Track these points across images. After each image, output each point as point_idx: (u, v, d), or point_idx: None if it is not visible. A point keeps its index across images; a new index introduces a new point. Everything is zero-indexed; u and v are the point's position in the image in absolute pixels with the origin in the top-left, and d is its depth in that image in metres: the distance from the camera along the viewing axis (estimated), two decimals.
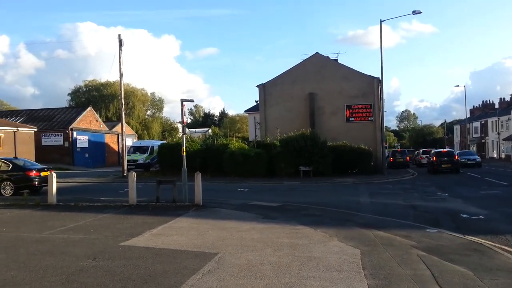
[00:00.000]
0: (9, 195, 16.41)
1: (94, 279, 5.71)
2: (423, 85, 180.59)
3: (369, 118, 30.89)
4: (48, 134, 44.89)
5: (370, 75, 31.35)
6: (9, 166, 17.13)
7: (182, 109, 13.95)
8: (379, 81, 30.19)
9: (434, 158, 29.79)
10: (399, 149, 45.28)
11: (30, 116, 48.42)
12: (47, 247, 7.58)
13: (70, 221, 10.32)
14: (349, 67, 32.19)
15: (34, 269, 6.21)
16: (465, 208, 12.81)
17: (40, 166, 18.69)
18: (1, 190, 16.60)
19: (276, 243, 7.96)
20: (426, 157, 35.91)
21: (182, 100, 14.03)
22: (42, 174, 17.13)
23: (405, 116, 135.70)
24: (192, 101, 14.78)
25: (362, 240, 8.21)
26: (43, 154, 41.65)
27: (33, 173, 17.04)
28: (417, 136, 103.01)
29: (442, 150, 34.33)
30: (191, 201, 13.25)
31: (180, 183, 13.91)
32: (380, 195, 17.01)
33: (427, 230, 9.36)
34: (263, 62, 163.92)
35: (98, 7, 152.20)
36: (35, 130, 41.66)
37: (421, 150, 46.66)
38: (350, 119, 31.16)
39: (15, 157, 19.50)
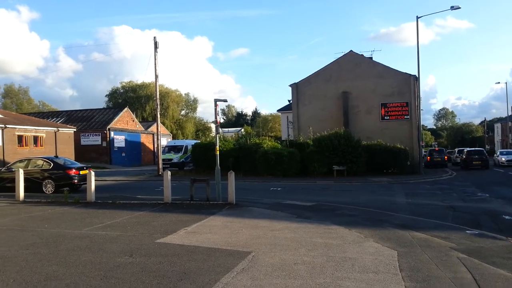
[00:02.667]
0: (50, 192, 17.05)
1: (131, 275, 5.83)
2: (460, 83, 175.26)
3: (405, 117, 30.15)
4: (86, 134, 46.39)
5: (406, 73, 30.62)
6: (50, 165, 17.79)
7: (215, 109, 14.07)
8: (416, 79, 29.44)
9: (466, 156, 33.37)
10: (437, 148, 43.97)
11: (69, 117, 50.20)
12: (86, 243, 7.81)
13: (107, 219, 10.60)
14: (384, 65, 31.55)
15: (73, 264, 6.41)
16: (507, 209, 12.27)
17: (79, 165, 19.33)
18: (43, 188, 17.26)
19: (310, 242, 7.88)
20: (460, 155, 37.71)
21: (216, 100, 14.15)
22: (81, 172, 17.70)
23: (442, 114, 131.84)
24: (225, 101, 14.88)
25: (398, 241, 8.00)
26: (82, 153, 43.14)
27: (72, 172, 17.64)
28: (455, 134, 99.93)
29: (473, 148, 37.48)
30: (224, 199, 13.34)
31: (213, 181, 14.04)
32: (417, 195, 16.56)
33: (467, 231, 9.02)
34: (296, 61, 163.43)
35: (132, 11, 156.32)
36: (75, 130, 43.13)
37: (456, 150, 45.36)
38: (385, 117, 30.53)
39: (56, 156, 20.26)
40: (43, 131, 38.56)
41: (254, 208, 12.45)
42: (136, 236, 8.45)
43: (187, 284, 5.46)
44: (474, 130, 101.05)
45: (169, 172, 13.96)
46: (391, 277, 5.80)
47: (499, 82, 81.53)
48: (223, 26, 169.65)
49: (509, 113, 67.61)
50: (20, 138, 35.81)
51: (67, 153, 38.66)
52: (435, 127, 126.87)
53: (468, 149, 37.31)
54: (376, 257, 6.88)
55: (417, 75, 28.88)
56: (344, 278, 5.73)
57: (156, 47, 27.47)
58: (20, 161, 18.68)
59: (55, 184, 17.33)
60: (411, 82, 30.08)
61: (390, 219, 10.71)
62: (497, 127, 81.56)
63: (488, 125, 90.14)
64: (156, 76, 28.11)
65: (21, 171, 15.01)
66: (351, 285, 5.47)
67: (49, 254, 7.06)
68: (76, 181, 17.57)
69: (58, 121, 47.76)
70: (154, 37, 27.60)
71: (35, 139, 37.49)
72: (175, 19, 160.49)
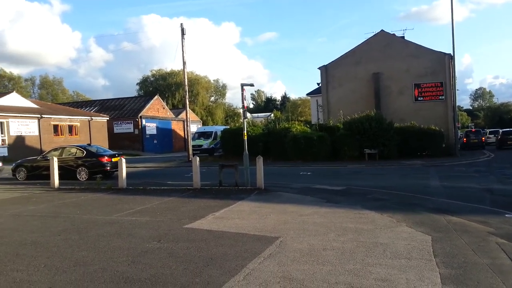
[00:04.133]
0: (84, 179, 17.46)
1: (158, 261, 5.83)
2: (498, 61, 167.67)
3: (440, 97, 29.08)
4: (119, 122, 47.36)
5: (441, 51, 29.39)
6: (84, 152, 18.19)
7: (242, 94, 13.93)
8: (451, 58, 28.25)
9: (501, 136, 35.08)
10: (473, 129, 42.40)
11: (102, 106, 51.34)
12: (116, 229, 7.90)
13: (137, 204, 10.72)
14: (417, 44, 30.39)
15: (102, 250, 6.47)
16: None
17: (111, 152, 19.69)
18: (77, 175, 17.69)
19: (339, 227, 7.69)
20: (494, 135, 39.77)
21: (242, 85, 14.00)
22: (113, 159, 18.02)
23: (479, 94, 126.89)
24: (252, 85, 14.68)
25: (433, 226, 7.69)
26: (115, 141, 44.15)
27: (105, 159, 17.98)
28: (493, 115, 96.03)
29: (508, 129, 38.76)
30: (253, 185, 13.27)
31: (242, 167, 13.98)
32: (452, 178, 15.99)
33: (507, 215, 8.57)
34: (325, 44, 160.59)
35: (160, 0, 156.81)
36: (108, 118, 44.12)
37: (488, 130, 44.47)
38: (419, 98, 29.55)
39: (89, 144, 20.71)
40: (77, 120, 39.64)
41: (283, 193, 12.31)
42: (164, 222, 8.49)
43: (213, 270, 5.40)
44: None
45: (198, 158, 13.98)
46: (424, 263, 5.56)
47: None
48: (250, 11, 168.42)
49: None
50: (55, 127, 36.98)
51: (100, 141, 39.68)
52: (471, 108, 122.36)
53: (504, 130, 38.94)
54: (409, 242, 6.62)
55: (452, 54, 27.70)
56: (374, 264, 5.53)
57: (183, 33, 27.46)
58: (55, 149, 19.19)
59: (89, 171, 17.72)
60: (446, 61, 28.90)
61: (423, 203, 10.35)
62: None
63: None
64: (184, 63, 28.16)
65: (55, 159, 15.40)
66: (382, 271, 5.27)
67: (80, 240, 7.17)
68: (108, 168, 17.90)
69: (91, 110, 48.95)
70: (181, 24, 27.60)
71: (70, 128, 38.62)
72: (202, 6, 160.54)
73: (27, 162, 18.79)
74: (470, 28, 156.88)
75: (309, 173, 19.09)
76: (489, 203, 10.31)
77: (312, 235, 7.16)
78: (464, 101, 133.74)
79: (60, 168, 16.92)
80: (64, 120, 38.04)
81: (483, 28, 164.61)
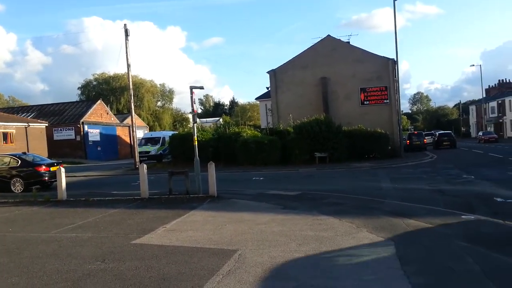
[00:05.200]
0: (19, 191, 16.02)
1: (102, 285, 5.14)
2: (432, 67, 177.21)
3: (385, 101, 29.85)
4: (59, 128, 44.74)
5: (385, 56, 30.21)
6: (18, 162, 16.69)
7: (191, 97, 13.29)
8: (394, 62, 29.16)
9: (438, 138, 40.60)
10: (416, 132, 44.30)
11: (41, 112, 48.30)
12: (53, 248, 7.03)
13: (79, 218, 9.79)
14: (362, 49, 31.08)
15: (37, 274, 5.65)
16: (496, 191, 11.99)
17: (49, 161, 18.29)
18: (12, 187, 16.20)
19: (299, 236, 7.31)
20: (431, 137, 44.09)
21: (192, 87, 13.37)
22: (52, 169, 16.67)
23: (417, 98, 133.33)
24: (202, 88, 14.09)
25: (393, 231, 7.51)
26: (56, 148, 41.57)
27: (42, 168, 16.60)
28: (431, 118, 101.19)
29: (443, 131, 45.10)
30: (205, 192, 12.67)
31: (193, 173, 13.33)
32: (401, 179, 16.24)
33: (463, 217, 8.59)
34: (273, 49, 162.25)
35: (102, 1, 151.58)
36: (46, 125, 41.49)
37: (423, 133, 48.28)
38: (365, 102, 30.18)
39: (24, 153, 19.05)
40: (13, 127, 36.91)
41: (237, 200, 11.83)
42: (109, 238, 7.71)
43: None
44: (449, 113, 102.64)
45: (145, 165, 13.17)
46: (393, 272, 5.28)
47: (473, 65, 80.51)
48: (196, 15, 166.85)
49: (484, 95, 68.76)
50: None
51: (39, 149, 37.14)
52: (410, 111, 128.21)
53: (439, 132, 44.90)
54: (372, 249, 6.37)
55: (395, 59, 28.59)
56: (341, 277, 5.18)
57: (126, 34, 26.30)
58: None
59: (24, 182, 16.27)
60: (390, 65, 29.75)
61: (379, 206, 10.26)
62: (472, 109, 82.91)
63: (463, 108, 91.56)
64: (128, 65, 26.97)
65: None
66: (349, 284, 4.92)
67: (10, 263, 6.27)
68: (46, 178, 16.52)
69: (29, 116, 45.88)
70: (125, 25, 26.40)
71: (5, 135, 35.87)
72: (146, 9, 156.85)
73: None
74: (406, 36, 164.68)
75: (261, 178, 18.74)
76: (443, 204, 10.38)
77: (272, 246, 6.73)
78: (403, 105, 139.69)
79: None
80: None
81: (418, 36, 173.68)
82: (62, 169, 13.53)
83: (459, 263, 5.59)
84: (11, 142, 36.05)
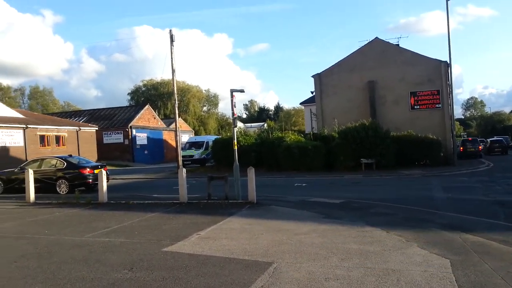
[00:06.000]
0: (64, 193, 16.32)
1: None
2: (486, 72, 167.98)
3: (437, 105, 28.24)
4: (109, 132, 46.13)
5: (437, 59, 28.63)
6: (64, 164, 17.06)
7: (232, 100, 12.96)
8: (447, 65, 27.56)
9: (490, 144, 40.95)
10: (470, 138, 41.90)
11: (92, 116, 50.08)
12: (83, 254, 6.82)
13: (115, 222, 9.64)
14: (412, 51, 29.61)
15: (61, 282, 5.40)
16: None
17: (94, 163, 18.60)
18: (57, 188, 16.55)
19: (342, 249, 6.68)
20: (483, 144, 43.57)
21: (232, 91, 13.05)
22: (96, 171, 16.84)
23: (471, 103, 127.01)
24: (242, 91, 13.71)
25: (448, 247, 6.72)
26: (105, 151, 42.90)
27: (87, 171, 16.85)
28: (485, 124, 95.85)
29: (495, 138, 45.10)
30: (244, 198, 12.24)
31: (232, 178, 12.95)
32: (456, 189, 15.05)
33: None
34: (317, 54, 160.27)
35: (153, 11, 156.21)
36: (97, 129, 42.88)
37: (478, 139, 45.81)
38: (415, 107, 28.72)
39: (70, 155, 19.51)
40: (65, 130, 38.38)
41: (277, 207, 11.30)
42: (141, 244, 7.42)
43: None
44: (506, 119, 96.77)
45: (184, 170, 12.95)
46: None
47: None
48: (242, 22, 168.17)
49: None
50: (42, 138, 35.68)
51: (89, 152, 38.44)
52: (463, 117, 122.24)
53: (492, 139, 45.27)
54: (425, 268, 5.64)
55: (448, 61, 27.02)
56: None
57: (172, 40, 26.53)
58: (34, 160, 18.07)
59: (69, 184, 16.58)
60: (442, 68, 28.13)
61: (432, 218, 9.38)
62: None
63: None
64: (173, 70, 27.19)
65: (31, 172, 14.26)
66: None
67: (38, 268, 6.09)
68: (90, 180, 16.75)
69: (80, 120, 47.67)
70: (170, 30, 26.66)
71: (57, 138, 37.32)
72: (194, 17, 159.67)
73: (3, 174, 17.60)
74: (458, 39, 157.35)
75: (304, 185, 18.09)
76: (504, 218, 9.35)
77: (311, 260, 6.15)
78: (455, 110, 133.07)
79: (38, 181, 15.90)
80: (51, 130, 36.75)
81: (470, 40, 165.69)
82: (104, 172, 13.57)
83: None
84: (63, 145, 37.48)
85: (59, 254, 6.86)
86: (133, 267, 5.94)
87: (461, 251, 6.49)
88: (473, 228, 8.06)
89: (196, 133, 63.69)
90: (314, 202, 12.12)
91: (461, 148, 34.78)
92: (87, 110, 55.89)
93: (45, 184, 16.40)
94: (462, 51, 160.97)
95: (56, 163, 17.20)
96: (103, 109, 53.87)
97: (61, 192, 16.41)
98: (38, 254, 6.91)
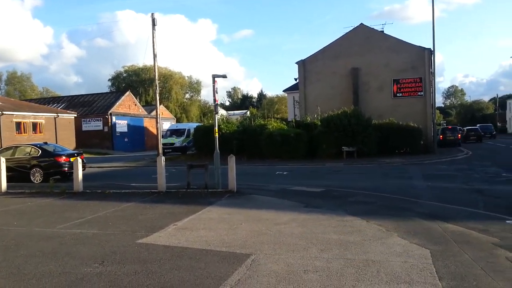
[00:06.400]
0: (39, 182, 15.83)
1: None
2: (467, 60, 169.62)
3: (419, 93, 28.35)
4: (88, 119, 45.20)
5: (421, 46, 28.61)
6: (39, 152, 16.51)
7: (214, 86, 12.65)
8: (431, 52, 27.55)
9: (466, 132, 43.08)
10: (450, 126, 42.38)
11: (71, 102, 48.96)
12: (53, 246, 6.51)
13: (89, 212, 9.32)
14: (397, 38, 29.51)
15: (26, 277, 5.10)
16: None
17: (70, 151, 18.08)
18: (31, 177, 16.04)
19: (322, 240, 6.55)
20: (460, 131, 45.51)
21: (214, 76, 12.72)
22: (72, 159, 16.36)
23: (451, 92, 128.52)
24: (225, 76, 13.39)
25: (428, 236, 6.64)
26: (83, 139, 42.05)
27: (62, 159, 16.35)
28: (465, 112, 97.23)
29: (471, 127, 46.89)
30: (224, 186, 12.03)
31: (213, 166, 12.71)
32: (436, 177, 15.11)
33: (508, 221, 7.60)
34: (302, 41, 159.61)
35: None
36: (75, 115, 41.97)
37: (457, 128, 46.62)
38: (398, 94, 28.78)
39: (45, 143, 18.88)
40: (42, 117, 37.43)
41: (257, 196, 11.13)
42: (115, 235, 7.14)
43: None
44: (485, 108, 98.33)
45: (163, 158, 12.65)
46: None
47: None
48: (227, 8, 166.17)
49: None
50: (18, 124, 34.75)
51: (67, 139, 37.60)
52: (443, 105, 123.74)
53: (467, 127, 47.14)
54: (405, 259, 5.53)
55: (432, 49, 27.04)
56: None
57: (154, 24, 25.83)
58: (7, 148, 17.48)
59: (44, 172, 16.06)
60: (426, 56, 28.19)
61: (412, 206, 9.34)
62: (509, 103, 78.99)
63: (500, 102, 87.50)
64: (155, 56, 26.58)
65: (3, 160, 13.71)
66: None
67: (2, 261, 5.76)
68: (66, 169, 16.25)
69: (59, 106, 46.53)
70: (152, 14, 25.89)
71: (34, 125, 36.40)
72: (178, 2, 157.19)
73: None
74: (440, 27, 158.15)
75: (285, 173, 17.96)
76: (483, 206, 9.35)
77: (290, 251, 5.99)
78: (436, 99, 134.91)
79: (11, 169, 15.40)
80: (27, 117, 35.78)
81: (454, 28, 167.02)
82: (79, 160, 13.18)
83: (508, 278, 4.69)
84: (40, 132, 36.55)
85: (27, 246, 6.54)
86: (104, 261, 5.68)
87: (441, 240, 6.42)
88: (452, 217, 8.02)
89: (178, 121, 62.92)
90: (295, 191, 11.99)
91: (441, 136, 35.12)
92: (66, 96, 54.60)
93: (18, 173, 15.89)
94: (444, 39, 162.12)
95: (31, 151, 16.65)
96: (83, 95, 52.72)
97: (35, 181, 15.92)
98: (4, 246, 6.57)
